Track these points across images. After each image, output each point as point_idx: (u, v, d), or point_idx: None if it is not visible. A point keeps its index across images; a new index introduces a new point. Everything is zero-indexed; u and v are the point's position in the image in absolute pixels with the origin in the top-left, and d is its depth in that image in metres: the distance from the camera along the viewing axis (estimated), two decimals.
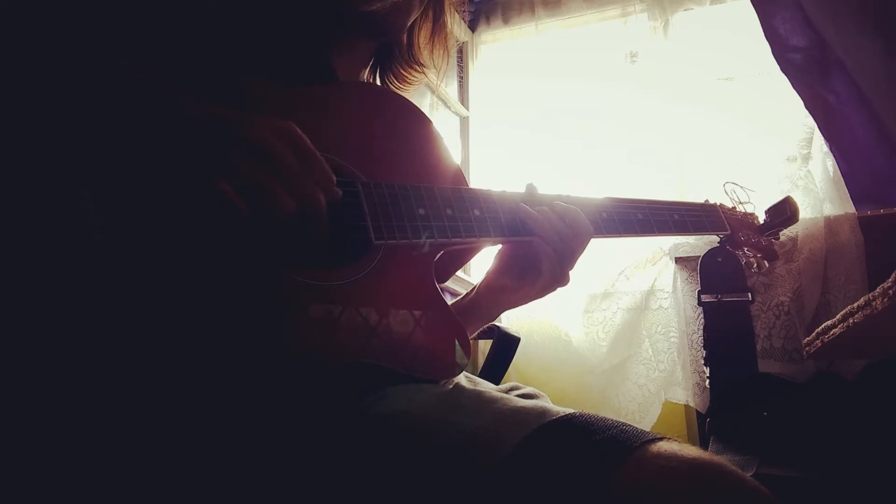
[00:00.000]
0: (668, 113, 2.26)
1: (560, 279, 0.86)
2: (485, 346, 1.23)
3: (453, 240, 0.78)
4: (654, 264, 2.05)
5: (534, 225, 0.84)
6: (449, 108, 2.52)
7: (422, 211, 0.76)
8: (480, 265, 2.30)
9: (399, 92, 0.96)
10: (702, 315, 1.70)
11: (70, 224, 0.56)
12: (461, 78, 2.60)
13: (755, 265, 1.32)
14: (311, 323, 0.64)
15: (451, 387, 0.70)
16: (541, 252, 0.84)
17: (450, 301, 0.86)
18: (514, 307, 0.92)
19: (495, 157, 2.57)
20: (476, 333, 0.96)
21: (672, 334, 1.97)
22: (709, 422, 1.58)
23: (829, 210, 1.85)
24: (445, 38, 1.00)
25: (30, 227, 0.54)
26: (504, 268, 0.90)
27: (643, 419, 1.93)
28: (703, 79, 2.29)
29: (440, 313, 0.74)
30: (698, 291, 1.65)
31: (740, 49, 2.23)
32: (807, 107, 1.91)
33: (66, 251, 0.55)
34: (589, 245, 0.89)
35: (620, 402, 1.98)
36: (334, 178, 0.64)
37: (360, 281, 0.69)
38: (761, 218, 1.36)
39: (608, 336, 2.04)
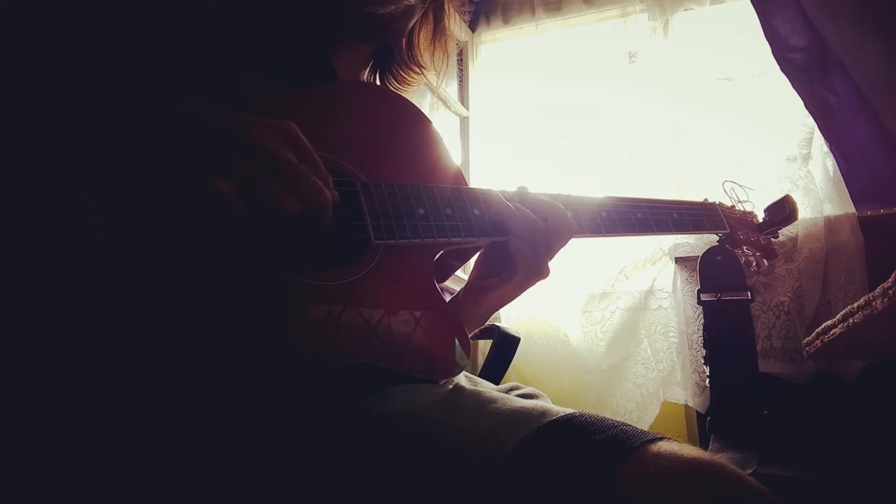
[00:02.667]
0: (667, 113, 2.26)
1: (539, 271, 0.85)
2: (485, 346, 1.23)
3: (453, 239, 0.78)
4: (653, 264, 2.05)
5: (507, 220, 0.82)
6: (449, 108, 2.52)
7: (421, 210, 0.76)
8: None
9: (399, 92, 0.96)
10: (702, 315, 1.70)
11: (70, 224, 0.56)
12: (461, 78, 2.60)
13: (754, 264, 1.32)
14: (311, 323, 0.64)
15: (451, 387, 0.70)
16: (513, 246, 0.82)
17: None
18: (499, 306, 0.89)
19: (495, 157, 2.56)
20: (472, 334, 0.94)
21: (671, 334, 1.97)
22: (709, 420, 1.58)
23: (829, 210, 1.85)
24: (446, 40, 1.00)
25: (30, 228, 0.54)
26: (482, 268, 0.88)
27: (641, 419, 1.93)
28: (703, 79, 2.28)
29: (440, 313, 0.74)
30: (698, 290, 1.65)
31: (740, 49, 2.22)
32: (807, 107, 1.91)
33: (66, 251, 0.55)
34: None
35: (618, 402, 1.98)
36: (330, 179, 0.64)
37: (359, 281, 0.69)
38: (760, 217, 1.36)
39: (606, 336, 2.04)
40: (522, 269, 0.83)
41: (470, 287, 0.87)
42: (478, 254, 0.89)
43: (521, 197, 0.86)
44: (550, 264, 0.87)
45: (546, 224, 0.84)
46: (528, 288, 0.87)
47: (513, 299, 0.88)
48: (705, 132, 2.27)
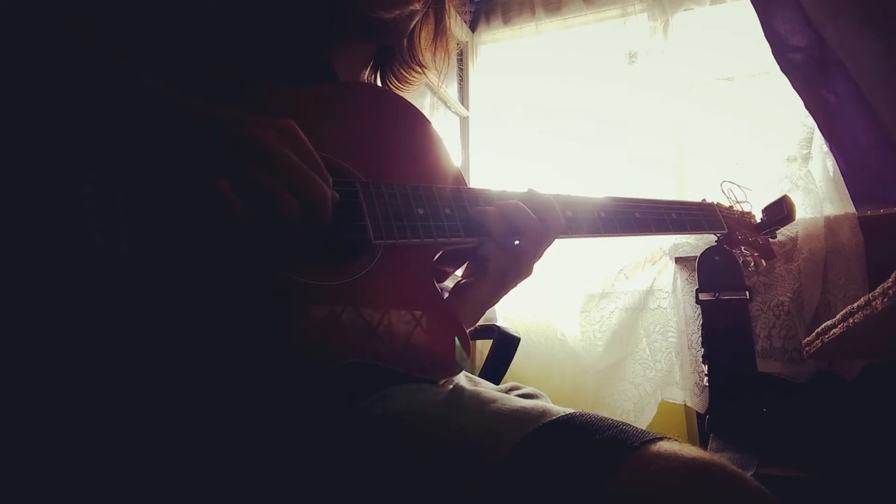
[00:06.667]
0: (667, 113, 2.26)
1: (521, 271, 0.82)
2: (484, 346, 1.24)
3: (452, 239, 0.78)
4: (653, 264, 2.05)
5: (484, 221, 0.80)
6: (449, 108, 2.52)
7: (421, 210, 0.76)
8: None
9: (398, 92, 0.96)
10: (701, 314, 1.71)
11: (68, 226, 0.55)
12: (461, 78, 2.60)
13: (752, 264, 1.32)
14: (311, 323, 0.64)
15: (451, 387, 0.70)
16: (486, 247, 0.81)
17: None
18: (482, 305, 0.85)
19: (495, 157, 2.57)
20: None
21: (670, 334, 1.97)
22: (708, 420, 1.59)
23: (829, 210, 1.85)
24: (447, 39, 1.00)
25: (28, 230, 0.54)
26: (468, 266, 0.86)
27: (639, 419, 1.93)
28: (703, 79, 2.29)
29: (440, 313, 0.74)
30: (696, 290, 1.65)
31: (740, 49, 2.23)
32: (807, 107, 1.91)
33: (65, 253, 0.55)
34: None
35: (616, 402, 1.98)
36: (330, 179, 0.64)
37: (359, 281, 0.69)
38: (759, 217, 1.36)
39: (604, 336, 2.04)
40: (495, 268, 0.81)
41: (455, 285, 0.85)
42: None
43: (528, 197, 0.84)
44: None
45: (544, 224, 0.82)
46: (511, 287, 0.84)
47: (495, 298, 0.85)
48: (705, 132, 2.27)
